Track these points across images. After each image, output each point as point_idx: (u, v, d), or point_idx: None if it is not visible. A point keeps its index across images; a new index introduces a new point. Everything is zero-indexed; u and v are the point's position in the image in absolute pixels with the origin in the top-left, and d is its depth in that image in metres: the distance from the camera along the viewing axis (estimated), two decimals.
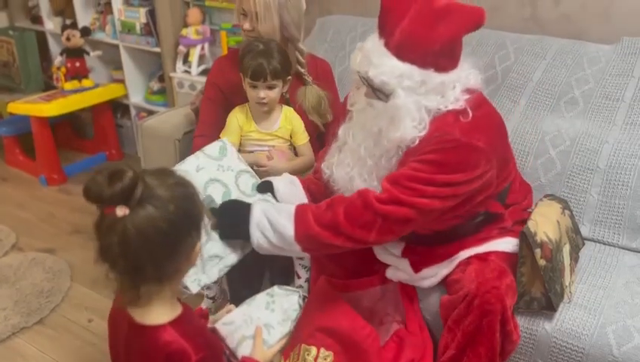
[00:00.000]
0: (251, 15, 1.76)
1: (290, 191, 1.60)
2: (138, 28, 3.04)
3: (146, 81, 3.32)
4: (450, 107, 1.37)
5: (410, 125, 1.36)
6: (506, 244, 1.52)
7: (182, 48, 2.96)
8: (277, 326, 1.18)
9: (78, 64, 3.17)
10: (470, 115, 1.36)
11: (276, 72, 1.69)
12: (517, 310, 1.45)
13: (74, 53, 3.15)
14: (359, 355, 1.44)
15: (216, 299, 1.90)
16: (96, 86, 3.23)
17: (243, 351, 1.14)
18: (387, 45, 1.34)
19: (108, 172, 0.91)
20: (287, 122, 1.82)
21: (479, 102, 1.42)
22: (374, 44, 1.37)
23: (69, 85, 3.15)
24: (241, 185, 1.52)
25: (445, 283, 1.52)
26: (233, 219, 1.43)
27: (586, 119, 1.88)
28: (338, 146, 1.55)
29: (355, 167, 1.49)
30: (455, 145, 1.34)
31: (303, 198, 1.60)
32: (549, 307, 1.42)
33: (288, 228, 1.40)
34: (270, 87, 1.72)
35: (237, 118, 1.82)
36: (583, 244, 1.69)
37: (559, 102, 1.94)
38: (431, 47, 1.32)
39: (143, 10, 3.00)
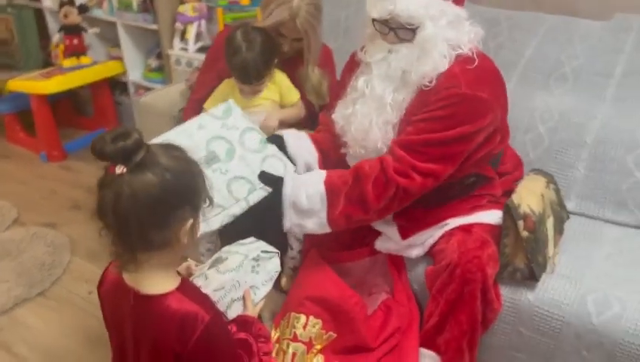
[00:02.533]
0: (291, 37, 1.78)
1: (300, 144, 1.66)
2: (135, 5, 3.04)
3: (144, 58, 3.33)
4: (459, 50, 1.43)
5: (439, 57, 1.42)
6: (492, 216, 1.56)
7: (179, 25, 2.96)
8: (261, 286, 1.27)
9: (76, 41, 3.18)
10: (476, 61, 1.43)
11: (261, 75, 1.77)
12: (501, 280, 1.49)
13: (72, 31, 3.15)
14: (347, 323, 1.49)
15: None
16: (95, 63, 3.25)
17: (233, 312, 1.21)
18: None
19: (116, 131, 0.95)
20: (274, 83, 1.86)
21: (483, 55, 1.48)
22: None
23: (67, 62, 3.17)
24: (246, 142, 1.55)
25: (431, 254, 1.56)
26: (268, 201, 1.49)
27: (575, 95, 1.90)
28: (354, 98, 1.57)
29: (374, 116, 1.51)
30: (461, 99, 1.41)
31: (312, 151, 1.67)
32: (531, 277, 1.47)
33: (322, 215, 1.48)
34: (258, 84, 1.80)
35: (223, 90, 1.88)
36: (568, 218, 1.72)
37: (549, 78, 1.96)
38: None
39: None
